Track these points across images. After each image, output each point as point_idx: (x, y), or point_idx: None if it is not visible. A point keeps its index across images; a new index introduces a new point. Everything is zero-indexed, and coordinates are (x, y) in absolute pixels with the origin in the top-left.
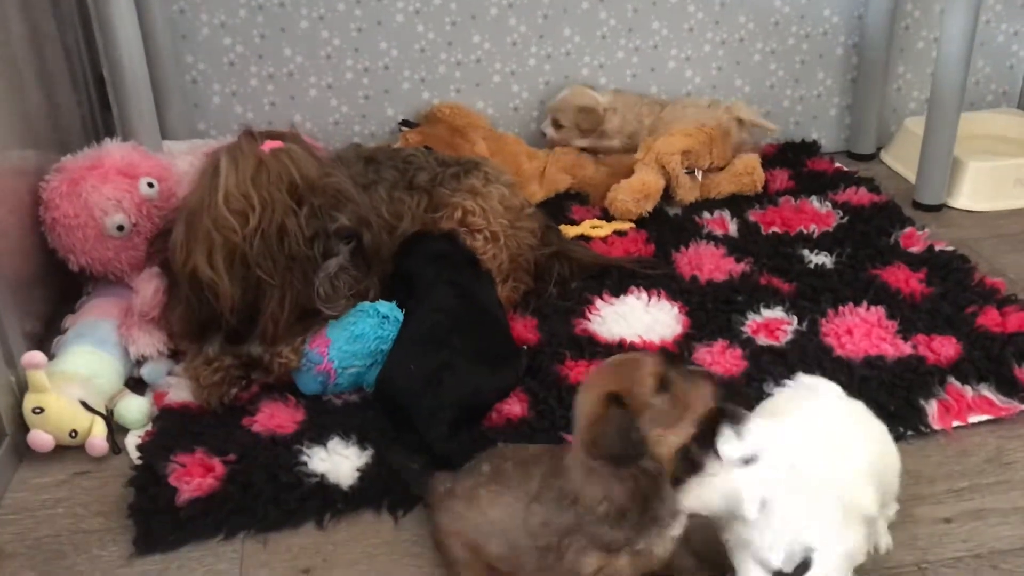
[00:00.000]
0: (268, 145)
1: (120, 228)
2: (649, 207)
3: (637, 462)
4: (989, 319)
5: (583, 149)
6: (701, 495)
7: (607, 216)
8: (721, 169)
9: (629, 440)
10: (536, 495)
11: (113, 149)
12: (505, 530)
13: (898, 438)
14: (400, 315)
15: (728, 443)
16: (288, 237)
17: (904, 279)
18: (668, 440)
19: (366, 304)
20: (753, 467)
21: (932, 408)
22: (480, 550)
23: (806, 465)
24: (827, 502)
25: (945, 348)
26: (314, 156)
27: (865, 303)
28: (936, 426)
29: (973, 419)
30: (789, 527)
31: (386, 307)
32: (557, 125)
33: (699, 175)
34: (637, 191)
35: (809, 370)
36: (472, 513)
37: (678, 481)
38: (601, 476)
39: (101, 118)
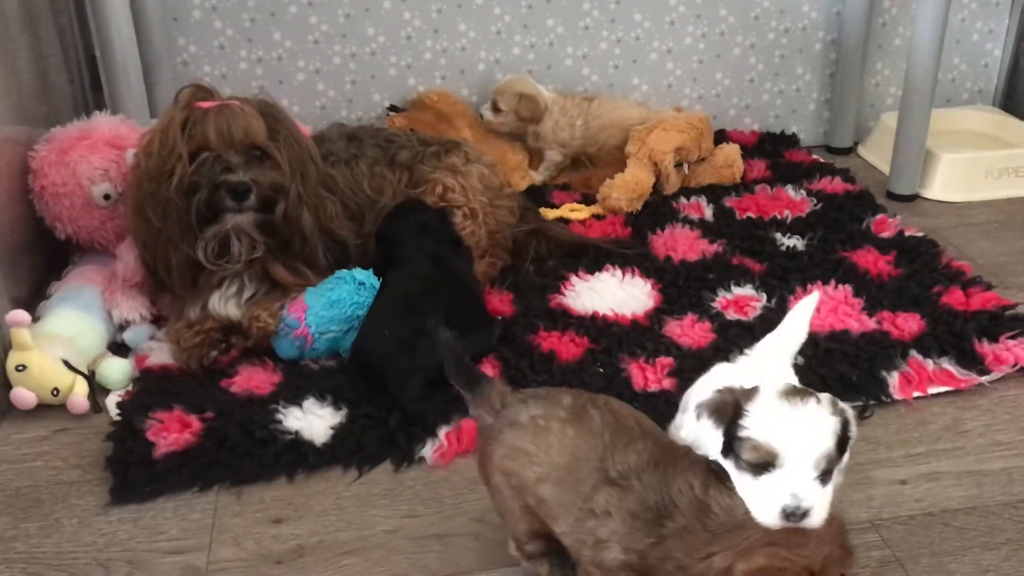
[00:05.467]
0: (225, 102)
1: (106, 197)
2: (639, 205)
3: None
4: (954, 298)
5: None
6: None
7: (587, 201)
8: (704, 160)
9: None
10: (622, 485)
11: (102, 121)
12: (562, 480)
13: (861, 407)
14: (376, 282)
15: None
16: (171, 182)
17: (873, 261)
18: None
19: (343, 271)
20: None
21: (894, 379)
22: (524, 487)
23: None
24: None
25: (909, 324)
26: (267, 122)
27: (833, 282)
28: (897, 396)
29: (933, 390)
30: None
31: (363, 274)
32: (495, 108)
33: (686, 168)
34: (631, 189)
35: None
36: (532, 446)
37: None
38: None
39: (92, 97)
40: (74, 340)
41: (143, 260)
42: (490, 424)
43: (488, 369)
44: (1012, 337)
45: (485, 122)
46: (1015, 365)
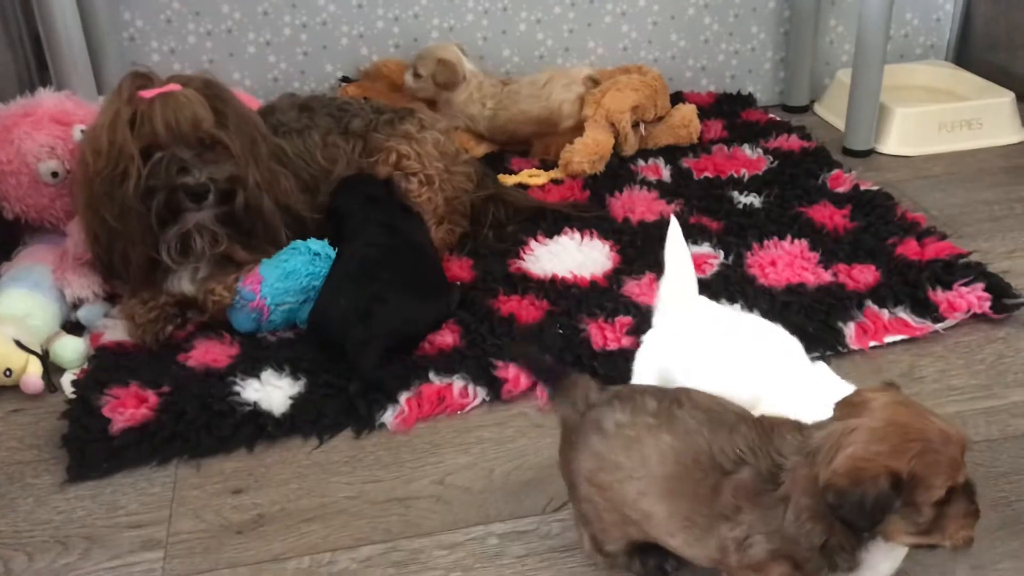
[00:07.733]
0: (166, 88)
1: (54, 175)
2: (602, 167)
3: (859, 532)
4: (909, 249)
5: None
6: None
7: (545, 166)
8: (660, 119)
9: (870, 519)
10: (739, 471)
11: (46, 98)
12: (673, 492)
13: (817, 358)
14: (332, 252)
15: None
16: (126, 185)
17: (829, 215)
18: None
19: (298, 242)
20: None
21: (850, 330)
22: (623, 502)
23: None
24: None
25: (864, 275)
26: (213, 106)
27: (789, 237)
28: (854, 346)
29: (889, 339)
30: None
31: (318, 244)
32: (416, 74)
33: (643, 128)
34: (592, 152)
35: (732, 298)
36: (625, 459)
37: None
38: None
39: (38, 77)
40: (26, 320)
41: (97, 255)
42: (574, 424)
43: (448, 335)
44: (965, 284)
45: (406, 88)
46: (968, 311)
